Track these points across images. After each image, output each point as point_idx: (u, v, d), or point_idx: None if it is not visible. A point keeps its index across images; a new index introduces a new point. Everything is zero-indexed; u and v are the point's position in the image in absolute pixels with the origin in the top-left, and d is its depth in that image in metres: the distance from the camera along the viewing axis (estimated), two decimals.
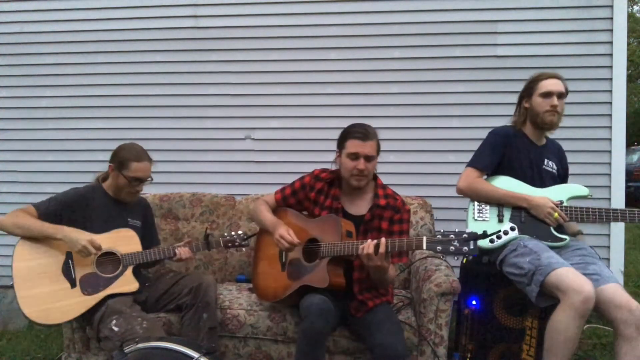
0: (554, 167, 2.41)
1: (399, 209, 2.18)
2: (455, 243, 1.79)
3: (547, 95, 2.31)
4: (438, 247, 1.82)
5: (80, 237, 2.22)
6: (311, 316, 1.92)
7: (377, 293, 2.20)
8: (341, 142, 2.16)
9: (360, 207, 2.20)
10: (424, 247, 1.85)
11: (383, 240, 1.93)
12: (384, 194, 2.19)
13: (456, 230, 1.82)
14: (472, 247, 1.78)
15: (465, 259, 2.45)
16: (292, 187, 2.32)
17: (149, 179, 2.39)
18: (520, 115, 2.43)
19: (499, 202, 2.34)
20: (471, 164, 2.41)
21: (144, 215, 2.54)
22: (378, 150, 2.15)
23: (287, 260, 2.24)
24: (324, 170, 2.28)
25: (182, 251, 2.36)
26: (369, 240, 1.94)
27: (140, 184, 2.37)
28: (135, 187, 2.36)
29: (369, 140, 2.09)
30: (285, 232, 2.12)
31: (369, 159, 2.10)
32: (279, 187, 2.38)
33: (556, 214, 2.22)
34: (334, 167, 2.25)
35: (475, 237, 1.78)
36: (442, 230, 1.85)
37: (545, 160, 2.39)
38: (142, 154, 2.36)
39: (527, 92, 2.39)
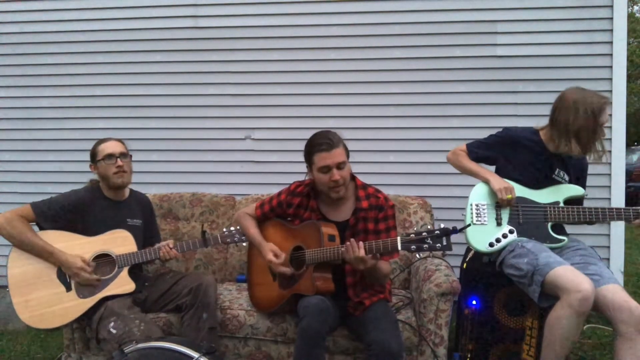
0: (566, 177, 2.34)
1: (382, 207, 2.16)
2: (429, 240, 1.79)
3: (603, 125, 2.18)
4: (412, 246, 1.82)
5: (71, 262, 2.20)
6: (309, 316, 1.93)
7: (374, 291, 2.20)
8: (308, 157, 2.13)
9: (343, 212, 2.19)
10: (399, 247, 1.85)
11: (361, 244, 1.93)
12: (365, 195, 2.17)
13: (429, 227, 1.83)
14: (444, 243, 1.79)
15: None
16: (271, 204, 2.32)
17: (124, 152, 2.36)
18: (553, 126, 2.27)
19: (468, 173, 2.42)
20: (469, 144, 2.46)
21: (144, 213, 2.53)
22: (347, 153, 2.12)
23: None
24: (299, 185, 2.27)
25: (164, 252, 2.33)
26: (349, 244, 1.93)
27: (117, 159, 2.31)
28: (114, 165, 2.31)
29: (335, 148, 2.05)
30: (272, 257, 2.14)
31: (340, 166, 2.06)
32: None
33: (509, 196, 2.22)
34: (308, 177, 2.22)
35: (446, 232, 1.78)
36: (415, 229, 1.85)
37: (557, 170, 2.33)
38: (106, 139, 2.38)
39: (579, 112, 2.16)
